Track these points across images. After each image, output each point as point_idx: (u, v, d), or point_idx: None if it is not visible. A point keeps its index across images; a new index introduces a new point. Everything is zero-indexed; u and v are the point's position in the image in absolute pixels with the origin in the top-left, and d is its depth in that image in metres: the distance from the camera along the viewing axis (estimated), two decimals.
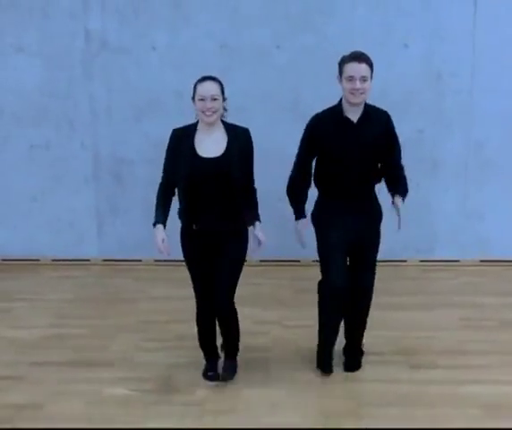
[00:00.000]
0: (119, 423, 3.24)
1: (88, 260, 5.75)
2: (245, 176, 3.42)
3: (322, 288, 3.65)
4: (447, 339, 4.14)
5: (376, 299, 4.56)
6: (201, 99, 3.27)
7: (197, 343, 3.75)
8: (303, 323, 4.28)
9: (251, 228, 3.47)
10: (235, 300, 3.54)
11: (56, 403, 3.43)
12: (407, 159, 5.43)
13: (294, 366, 3.80)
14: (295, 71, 5.33)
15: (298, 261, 5.50)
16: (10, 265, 5.71)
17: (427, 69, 5.37)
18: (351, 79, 3.33)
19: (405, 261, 5.63)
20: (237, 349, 3.74)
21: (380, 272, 5.17)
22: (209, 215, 3.34)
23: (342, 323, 3.78)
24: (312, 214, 3.63)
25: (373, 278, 3.73)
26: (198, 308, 3.59)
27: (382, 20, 5.30)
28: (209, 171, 3.29)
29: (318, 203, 3.65)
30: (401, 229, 3.56)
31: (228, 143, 3.35)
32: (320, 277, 3.66)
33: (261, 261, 5.49)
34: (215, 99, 3.28)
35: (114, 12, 5.37)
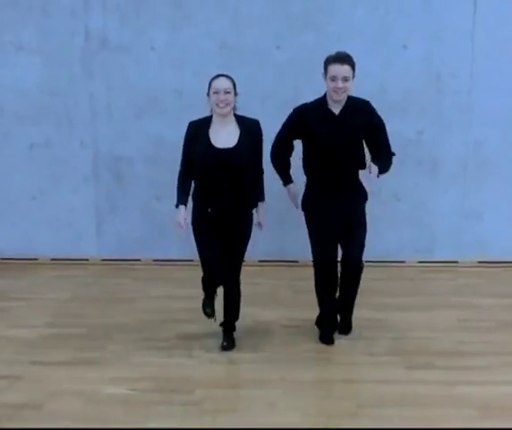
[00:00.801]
0: (118, 422, 3.23)
1: (87, 259, 5.75)
2: (255, 162, 3.78)
3: (314, 264, 4.02)
4: (444, 340, 4.15)
5: (374, 300, 4.60)
6: (216, 92, 3.63)
7: (197, 342, 3.80)
8: (302, 323, 4.30)
9: (255, 210, 3.90)
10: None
11: (55, 403, 3.43)
12: (406, 159, 5.49)
13: (293, 366, 3.81)
14: (295, 70, 5.34)
15: (297, 261, 5.51)
16: (8, 264, 5.71)
17: (426, 69, 5.38)
18: (334, 79, 3.66)
19: (403, 261, 5.64)
20: (235, 327, 4.12)
21: (379, 273, 5.25)
22: (222, 199, 3.70)
23: None
24: (302, 201, 3.99)
25: (361, 252, 3.94)
26: (204, 275, 3.96)
27: (382, 20, 5.31)
28: (222, 160, 3.65)
29: (306, 190, 3.97)
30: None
31: (240, 135, 3.70)
32: None
33: (260, 261, 5.51)
34: (228, 93, 3.63)
35: (114, 11, 5.37)
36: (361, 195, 3.91)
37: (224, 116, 3.68)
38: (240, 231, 3.84)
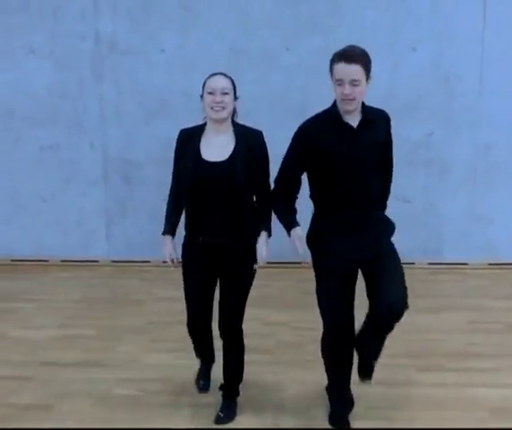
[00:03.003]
0: (127, 423, 3.25)
1: (96, 261, 5.77)
2: (260, 183, 3.11)
3: (322, 337, 3.24)
4: (454, 342, 4.14)
5: None
6: (211, 93, 2.97)
7: None
8: (311, 325, 4.25)
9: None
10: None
11: (64, 404, 3.45)
12: (416, 162, 5.49)
13: (302, 368, 3.81)
14: (304, 73, 5.34)
15: (306, 262, 5.49)
16: (19, 265, 5.75)
17: (435, 72, 5.36)
18: (340, 83, 2.86)
19: (413, 263, 5.60)
20: (238, 391, 3.37)
21: None
22: (214, 225, 3.04)
23: None
24: (308, 236, 3.13)
25: (404, 292, 3.03)
26: (188, 323, 3.28)
27: (391, 23, 5.31)
28: (211, 177, 2.99)
29: (315, 223, 3.13)
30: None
31: (236, 147, 3.02)
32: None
33: (269, 262, 5.47)
34: (225, 93, 2.97)
35: (124, 15, 5.39)
36: (387, 229, 3.15)
37: (219, 122, 3.01)
38: (239, 267, 3.11)
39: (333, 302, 3.05)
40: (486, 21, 5.27)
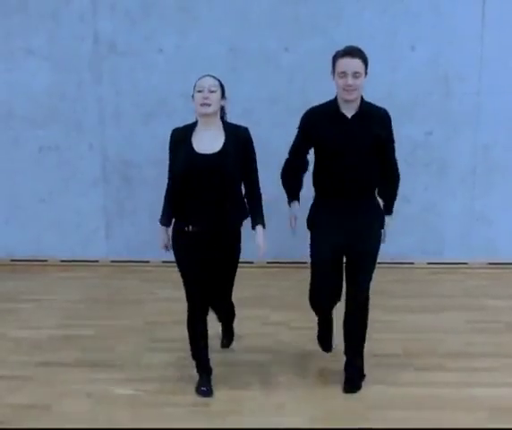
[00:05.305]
0: (126, 424, 3.25)
1: (96, 261, 5.78)
2: (244, 176, 3.40)
3: (309, 295, 3.64)
4: (453, 342, 4.13)
5: (383, 301, 4.58)
6: (200, 91, 3.29)
7: None
8: (310, 325, 4.26)
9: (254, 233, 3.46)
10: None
11: (63, 404, 3.45)
12: (415, 162, 5.48)
13: (301, 368, 3.80)
14: (303, 74, 5.34)
15: (305, 262, 5.48)
16: (18, 266, 5.75)
17: (434, 72, 5.36)
18: (343, 75, 3.22)
19: (412, 263, 5.62)
20: (233, 321, 3.96)
21: (388, 274, 5.22)
22: (203, 214, 3.31)
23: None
24: (308, 218, 3.51)
25: (367, 290, 3.49)
26: (190, 311, 3.51)
27: (390, 23, 5.30)
28: (204, 167, 3.26)
29: (313, 205, 3.51)
30: (385, 243, 3.56)
31: (226, 141, 3.31)
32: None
33: (268, 262, 5.50)
34: (212, 91, 3.28)
35: (122, 15, 5.40)
36: (377, 218, 3.47)
37: (207, 117, 3.30)
38: (226, 252, 3.43)
39: (320, 268, 3.48)
40: (485, 20, 5.27)
